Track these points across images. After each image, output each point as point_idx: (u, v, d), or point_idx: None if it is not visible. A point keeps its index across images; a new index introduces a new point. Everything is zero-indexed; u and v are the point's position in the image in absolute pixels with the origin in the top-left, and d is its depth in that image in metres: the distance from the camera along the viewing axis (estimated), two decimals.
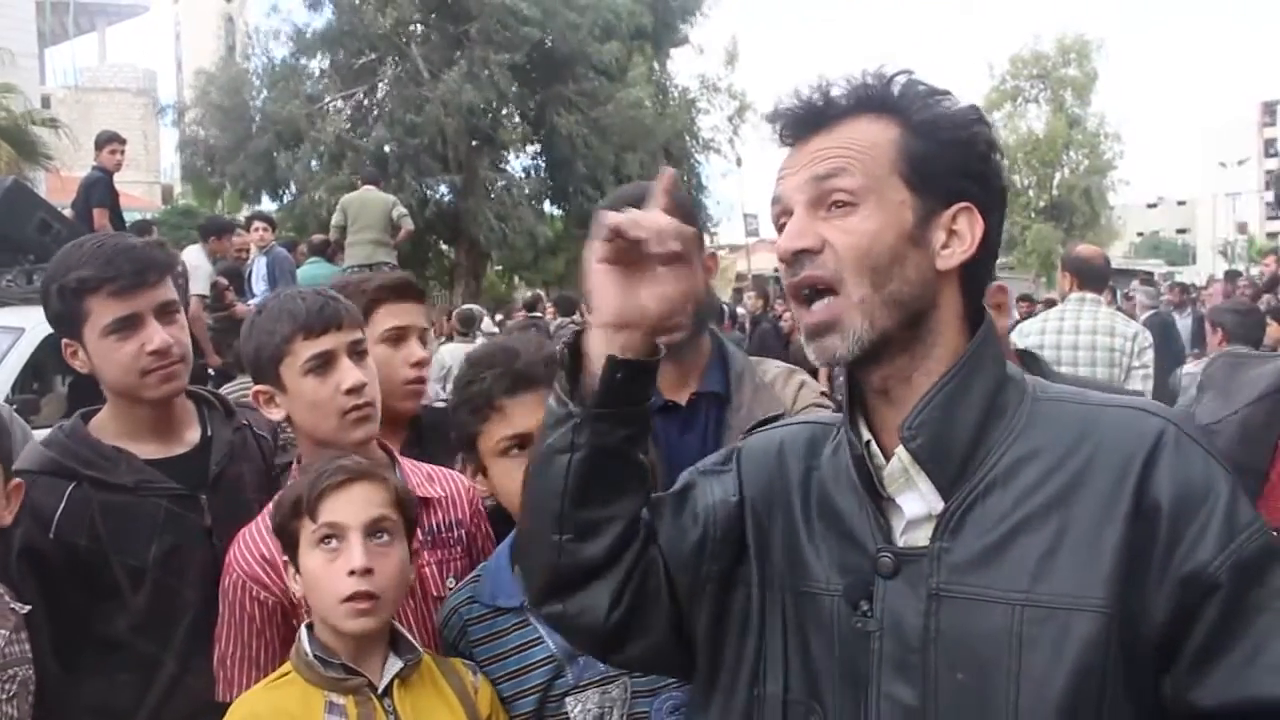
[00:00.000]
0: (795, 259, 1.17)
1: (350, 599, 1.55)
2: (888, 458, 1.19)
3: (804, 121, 1.20)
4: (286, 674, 1.61)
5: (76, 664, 1.88)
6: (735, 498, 1.30)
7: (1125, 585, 1.07)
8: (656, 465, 1.55)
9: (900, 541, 1.17)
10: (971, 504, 1.14)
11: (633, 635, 1.28)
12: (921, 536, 1.16)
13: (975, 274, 1.20)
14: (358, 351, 1.81)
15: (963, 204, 1.17)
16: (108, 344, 1.89)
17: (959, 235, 1.17)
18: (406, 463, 1.93)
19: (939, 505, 1.15)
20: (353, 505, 1.60)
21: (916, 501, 1.17)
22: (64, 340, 1.96)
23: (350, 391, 1.76)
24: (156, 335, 1.89)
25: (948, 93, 1.21)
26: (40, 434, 2.70)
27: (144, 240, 2.01)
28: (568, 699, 1.64)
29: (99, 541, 1.86)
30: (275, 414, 1.83)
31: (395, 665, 1.61)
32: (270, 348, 1.79)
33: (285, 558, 1.66)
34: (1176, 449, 1.10)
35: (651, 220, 1.18)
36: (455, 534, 1.91)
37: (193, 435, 2.03)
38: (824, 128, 1.19)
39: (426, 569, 1.83)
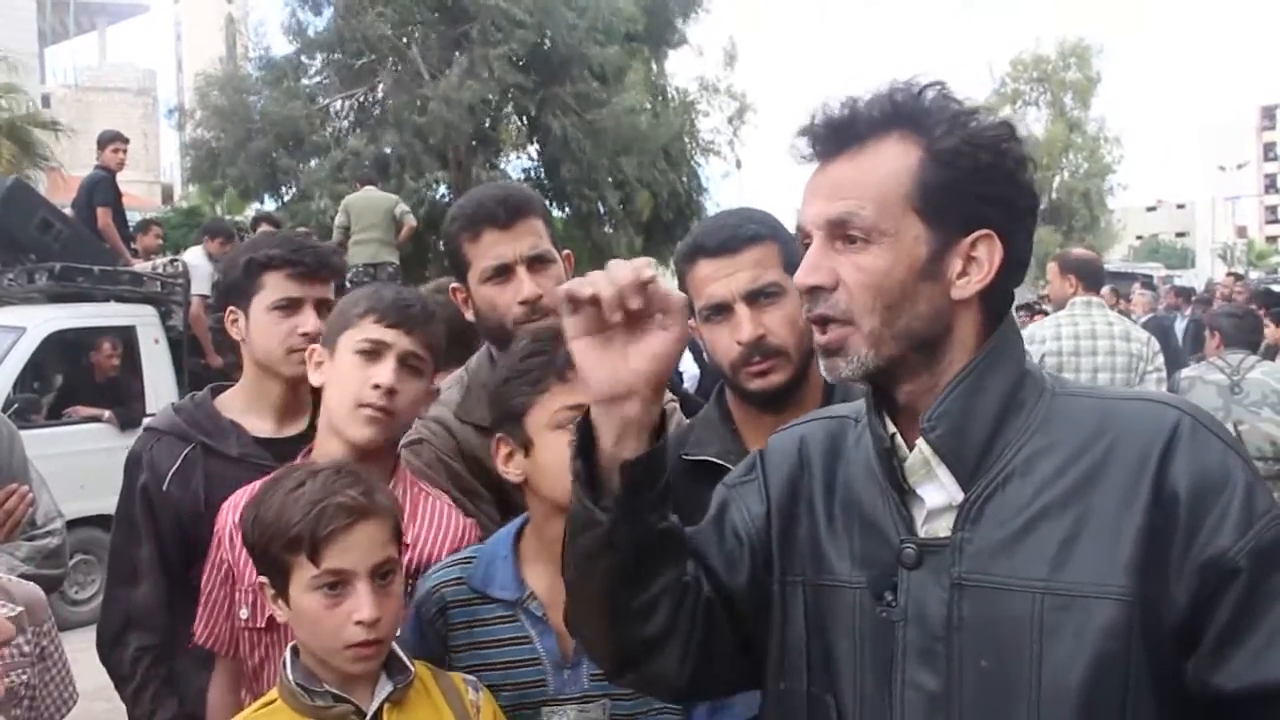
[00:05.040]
0: (810, 293, 1.19)
1: (357, 646, 1.47)
2: (911, 449, 1.20)
3: (829, 140, 1.20)
4: (273, 701, 1.54)
5: (176, 605, 2.06)
6: (763, 505, 1.32)
7: (1145, 573, 1.09)
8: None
9: (922, 532, 1.19)
10: (991, 494, 1.15)
11: (709, 678, 1.31)
12: (943, 527, 1.17)
13: (998, 294, 1.20)
14: (410, 365, 1.80)
15: (982, 231, 1.16)
16: (271, 317, 2.10)
17: (977, 262, 1.17)
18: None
19: (959, 496, 1.17)
20: (360, 550, 1.49)
21: (937, 492, 1.18)
22: (229, 307, 2.18)
23: (376, 387, 1.76)
24: (311, 321, 2.10)
25: (977, 110, 1.19)
26: (28, 434, 2.78)
27: (329, 244, 2.44)
28: (544, 709, 1.59)
29: (199, 502, 2.03)
30: (316, 378, 1.88)
31: (386, 688, 1.51)
32: (346, 316, 1.85)
33: (263, 579, 1.55)
34: (1193, 439, 1.12)
35: (604, 278, 1.15)
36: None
37: (302, 421, 2.19)
38: (848, 149, 1.19)
39: None
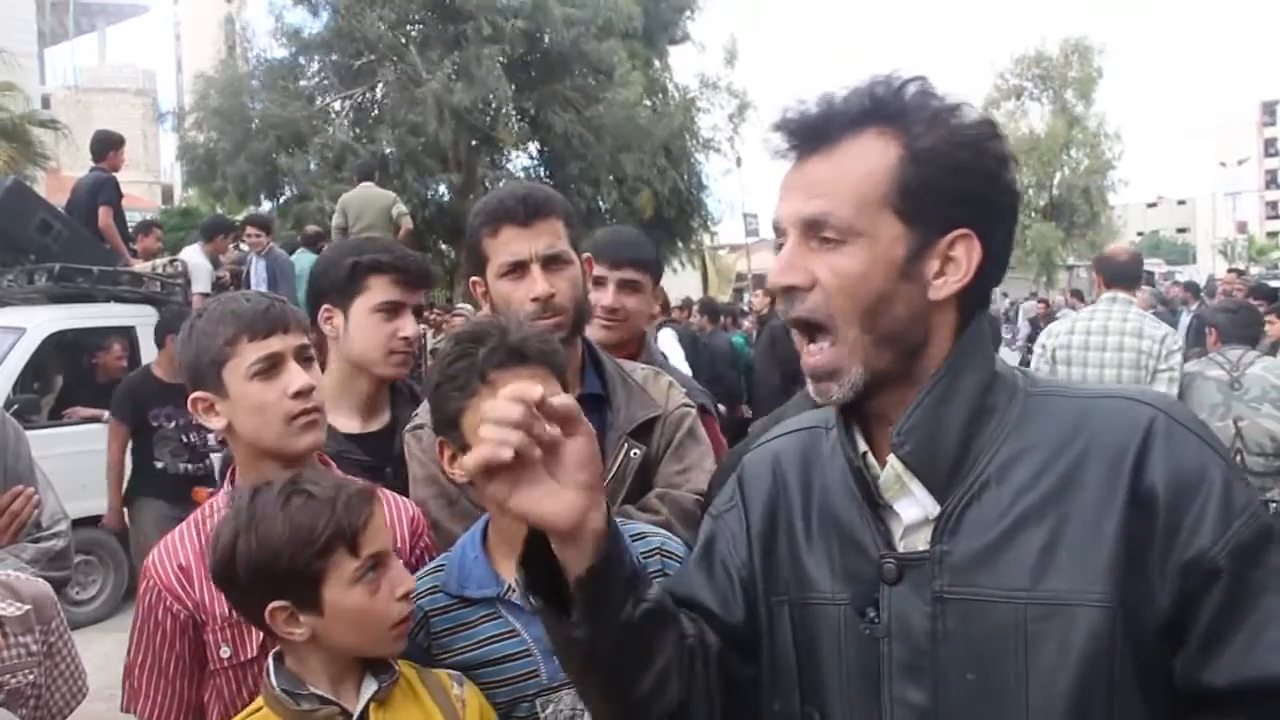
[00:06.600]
0: (785, 294, 1.16)
1: (401, 623, 1.53)
2: (883, 465, 1.19)
3: (805, 136, 1.16)
4: (259, 709, 1.53)
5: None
6: (745, 530, 1.31)
7: (1126, 576, 1.08)
8: None
9: (901, 547, 1.17)
10: (967, 505, 1.14)
11: (747, 714, 1.29)
12: (921, 541, 1.16)
13: (974, 295, 1.17)
14: (305, 357, 1.77)
15: (960, 231, 1.14)
16: (374, 319, 2.21)
17: (955, 262, 1.14)
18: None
19: (935, 509, 1.15)
20: (383, 530, 1.54)
21: (913, 507, 1.17)
22: (325, 305, 2.25)
23: (297, 395, 1.72)
24: (410, 326, 2.23)
25: (959, 106, 1.15)
26: (34, 434, 2.73)
27: (424, 256, 2.36)
28: (539, 699, 1.60)
29: None
30: (216, 423, 1.77)
31: (371, 687, 1.52)
32: (213, 350, 1.74)
33: (280, 604, 1.48)
34: (1168, 437, 1.10)
35: (498, 431, 1.08)
36: None
37: (385, 416, 2.30)
38: (824, 146, 1.15)
39: None
